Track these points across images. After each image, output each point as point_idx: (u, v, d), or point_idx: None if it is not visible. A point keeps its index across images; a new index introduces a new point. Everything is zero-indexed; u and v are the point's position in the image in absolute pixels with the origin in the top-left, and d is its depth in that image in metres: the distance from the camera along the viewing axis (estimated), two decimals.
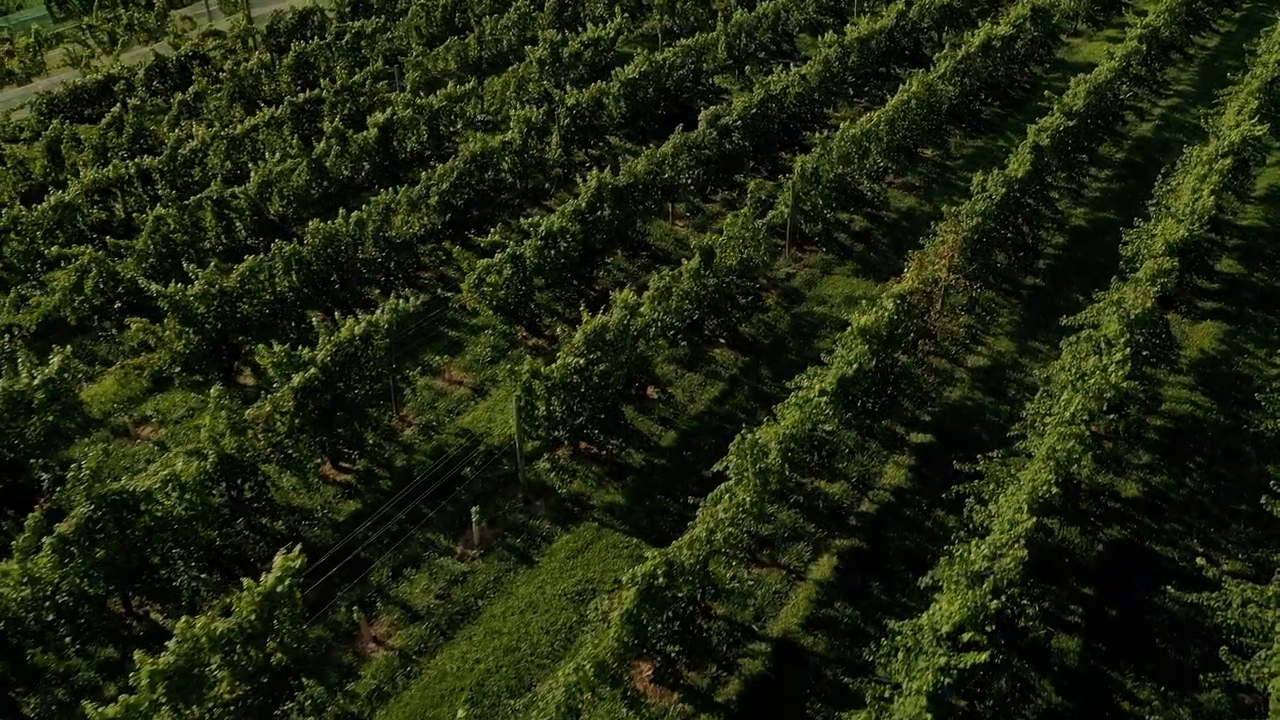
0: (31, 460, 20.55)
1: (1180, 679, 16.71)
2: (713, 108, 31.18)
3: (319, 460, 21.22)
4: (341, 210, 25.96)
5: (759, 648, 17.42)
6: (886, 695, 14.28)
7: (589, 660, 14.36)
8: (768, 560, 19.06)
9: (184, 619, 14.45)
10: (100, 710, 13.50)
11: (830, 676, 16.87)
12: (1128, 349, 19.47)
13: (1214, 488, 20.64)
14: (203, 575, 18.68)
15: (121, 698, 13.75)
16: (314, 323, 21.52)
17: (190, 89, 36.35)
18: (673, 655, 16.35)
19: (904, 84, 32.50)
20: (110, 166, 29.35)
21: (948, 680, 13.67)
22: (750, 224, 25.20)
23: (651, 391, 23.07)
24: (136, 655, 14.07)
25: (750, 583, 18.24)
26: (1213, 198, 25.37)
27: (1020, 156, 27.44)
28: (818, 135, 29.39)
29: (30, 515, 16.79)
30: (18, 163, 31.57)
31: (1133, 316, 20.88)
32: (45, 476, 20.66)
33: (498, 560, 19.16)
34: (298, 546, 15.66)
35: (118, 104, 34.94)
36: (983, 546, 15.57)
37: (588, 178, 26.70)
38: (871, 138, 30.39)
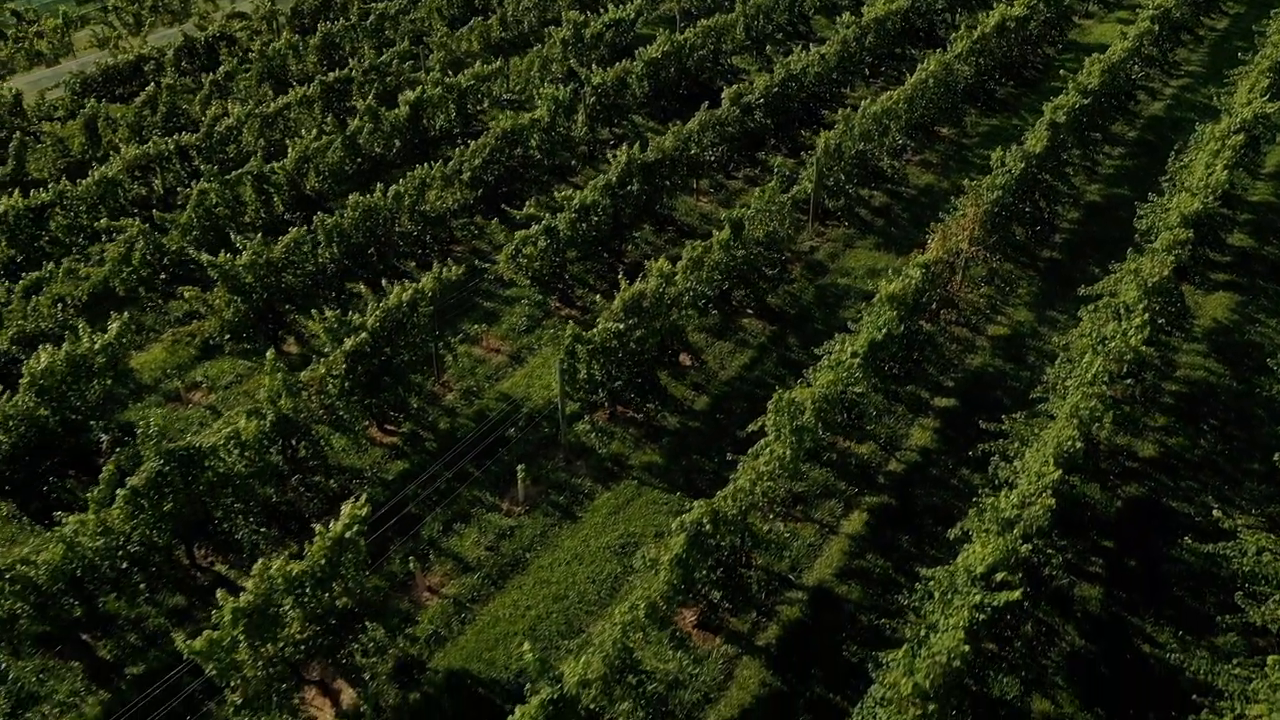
0: (91, 422, 21.39)
1: (1197, 624, 17.58)
2: (735, 86, 31.92)
3: (366, 423, 22.06)
4: (379, 185, 26.76)
5: (796, 596, 18.30)
6: (923, 634, 15.14)
7: (642, 601, 15.23)
8: (802, 515, 19.93)
9: (260, 561, 15.33)
10: (188, 643, 14.40)
11: (865, 622, 17.75)
12: (1146, 314, 20.29)
13: (1228, 448, 21.48)
14: (261, 529, 19.63)
15: (205, 633, 14.64)
16: (362, 290, 22.33)
17: (220, 69, 37.09)
18: (716, 600, 17.22)
19: (921, 64, 33.21)
20: (150, 143, 30.12)
21: (982, 616, 14.54)
22: (776, 198, 25.99)
23: (684, 358, 23.91)
24: (219, 594, 14.95)
25: (786, 535, 19.10)
26: (1226, 172, 26.14)
27: (1037, 133, 28.20)
28: (840, 113, 30.11)
29: (104, 469, 17.65)
30: (57, 140, 32.33)
31: (1150, 285, 21.69)
32: (105, 438, 21.53)
33: (543, 516, 20.03)
34: (364, 496, 16.53)
35: (151, 83, 35.68)
36: (1012, 496, 16.43)
37: (617, 154, 27.47)
38: (891, 116, 31.14)
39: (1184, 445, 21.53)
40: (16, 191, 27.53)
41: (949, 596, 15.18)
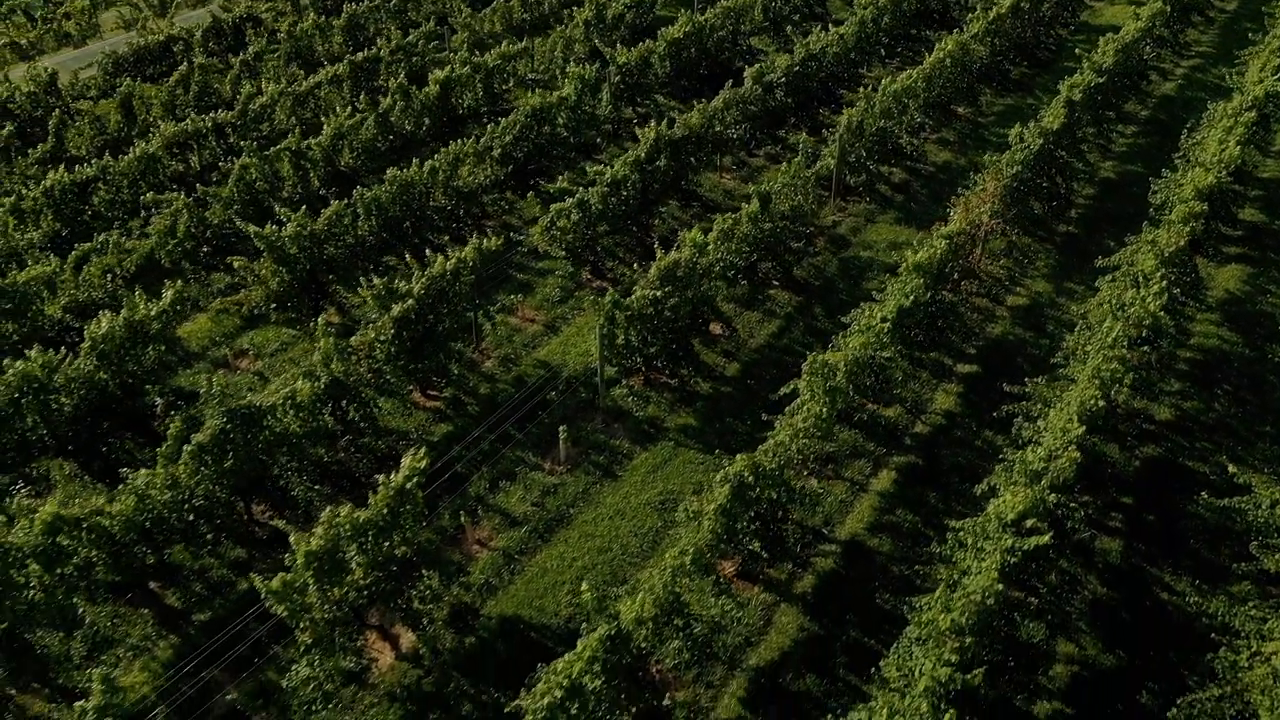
0: (147, 386, 22.24)
1: (1213, 575, 18.45)
2: (757, 65, 32.64)
3: (410, 388, 22.90)
4: (415, 160, 27.53)
5: (830, 548, 19.17)
6: (956, 578, 16.00)
7: (690, 547, 16.09)
8: (833, 474, 20.78)
9: (329, 508, 16.20)
10: (265, 583, 15.28)
11: (896, 572, 18.63)
12: (1163, 282, 21.11)
13: (1241, 412, 22.32)
14: (315, 487, 20.53)
15: (279, 574, 15.51)
16: (396, 263, 23.13)
17: (249, 49, 37.80)
18: (755, 551, 18.08)
19: (939, 44, 33.91)
20: (189, 121, 30.88)
21: (1014, 559, 15.41)
22: (801, 173, 26.77)
23: (715, 327, 24.73)
24: (292, 538, 15.83)
25: (819, 491, 19.96)
26: (1238, 148, 26.89)
27: (1054, 111, 28.94)
28: (861, 92, 30.85)
29: (172, 427, 18.50)
30: (94, 118, 33.07)
31: (1166, 254, 22.49)
32: (159, 401, 22.39)
33: (584, 475, 20.89)
34: (423, 449, 17.38)
35: (182, 63, 36.40)
36: (1039, 449, 17.28)
37: (645, 130, 28.23)
38: (910, 94, 31.86)
39: (1199, 409, 22.36)
40: (61, 167, 28.28)
41: (980, 543, 16.04)
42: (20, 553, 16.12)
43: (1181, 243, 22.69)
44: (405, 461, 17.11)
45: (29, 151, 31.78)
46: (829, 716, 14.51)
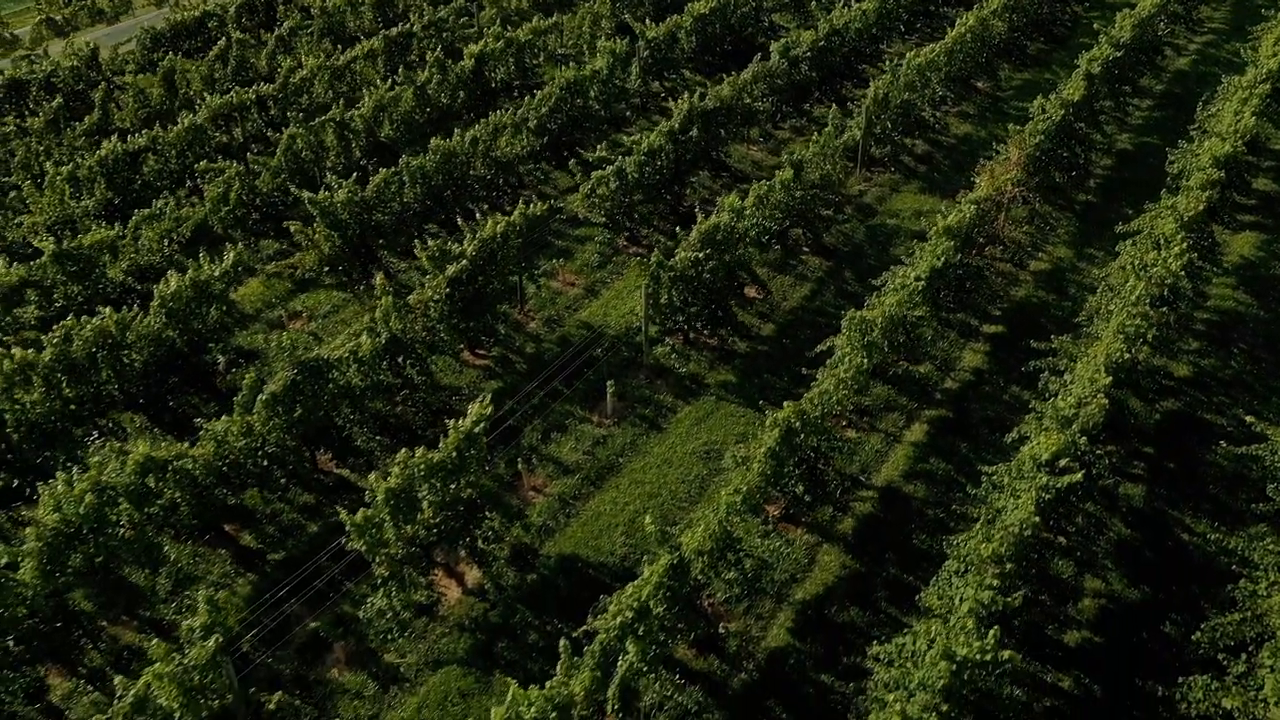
0: (210, 344, 23.29)
1: (1231, 518, 19.51)
2: (783, 40, 33.53)
3: (460, 346, 23.93)
4: (456, 130, 28.49)
5: (867, 494, 20.25)
6: (993, 515, 17.07)
7: (742, 485, 17.15)
8: (868, 426, 21.84)
9: (403, 450, 17.28)
10: (349, 516, 16.38)
11: (931, 515, 19.71)
12: (1184, 243, 22.11)
13: (1256, 369, 23.35)
14: (377, 437, 21.62)
15: (360, 510, 16.61)
16: (459, 222, 24.14)
17: (283, 24, 38.67)
18: (799, 494, 19.14)
19: (959, 19, 34.77)
20: (233, 93, 31.82)
21: (1048, 496, 16.47)
22: (831, 143, 27.73)
23: (751, 290, 25.74)
24: (371, 478, 16.91)
25: (856, 440, 21.02)
26: (1254, 119, 27.82)
27: (1074, 83, 29.86)
28: (886, 65, 31.74)
29: (246, 378, 19.55)
30: (139, 92, 33.99)
31: (1186, 219, 23.47)
32: (222, 359, 23.45)
33: (631, 427, 21.95)
34: (488, 396, 18.44)
35: (221, 39, 37.29)
36: (1069, 397, 18.33)
37: (679, 101, 29.17)
38: (932, 68, 32.77)
39: (1216, 366, 23.39)
40: (115, 138, 29.24)
41: (1015, 483, 17.10)
42: (113, 491, 17.19)
43: (1201, 208, 23.66)
44: (472, 408, 18.16)
45: (75, 124, 32.71)
46: (874, 643, 15.59)
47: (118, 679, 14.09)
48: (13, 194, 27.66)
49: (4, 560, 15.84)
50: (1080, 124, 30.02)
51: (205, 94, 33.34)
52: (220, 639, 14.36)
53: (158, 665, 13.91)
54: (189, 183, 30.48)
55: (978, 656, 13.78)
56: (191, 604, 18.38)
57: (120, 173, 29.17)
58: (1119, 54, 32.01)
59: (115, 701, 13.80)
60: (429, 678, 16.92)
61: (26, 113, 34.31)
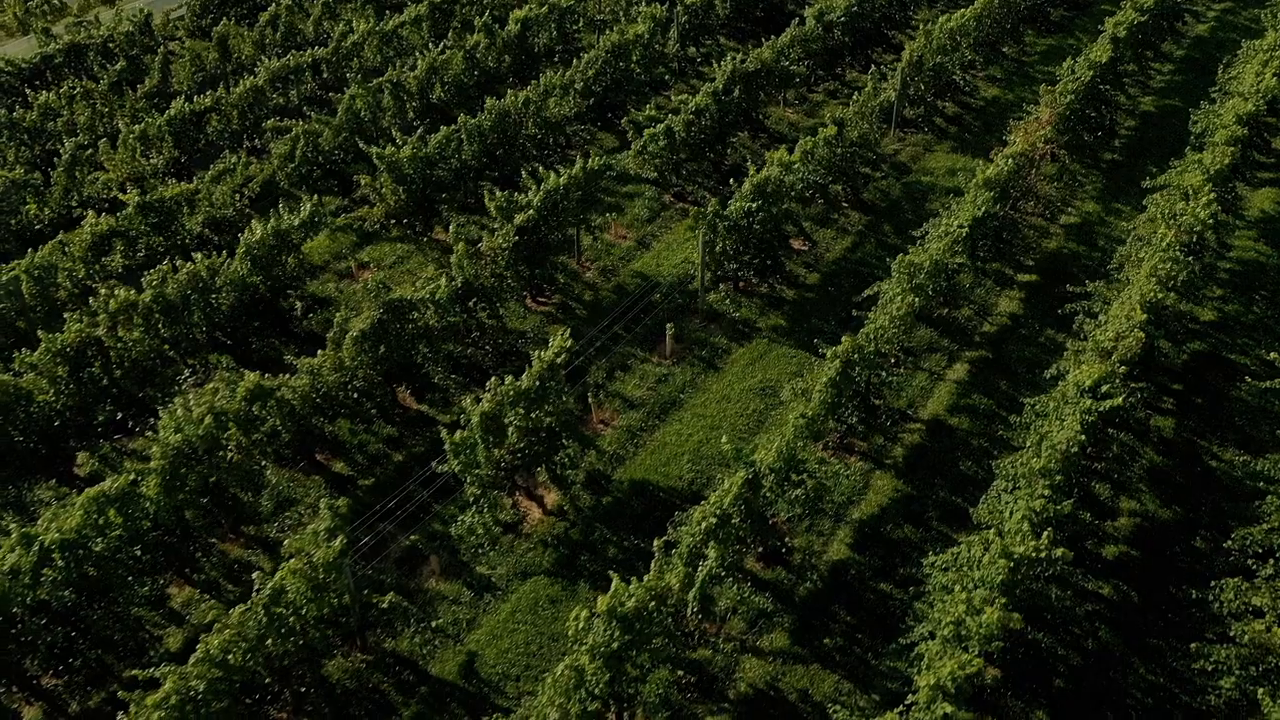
0: (288, 290, 24.68)
1: (1257, 447, 20.92)
2: (818, 5, 34.71)
3: (525, 293, 25.30)
4: (509, 90, 29.75)
5: (915, 426, 21.67)
6: (1038, 439, 18.47)
7: (808, 410, 18.56)
8: (912, 365, 23.23)
9: (493, 378, 18.70)
10: (449, 435, 17.83)
11: (976, 445, 21.14)
12: (1211, 194, 23.43)
13: (1277, 314, 24.70)
14: (452, 376, 23.05)
15: (458, 432, 18.05)
16: (522, 176, 25.47)
17: None
18: (854, 424, 20.55)
19: None
20: (290, 56, 33.07)
21: (1091, 419, 17.88)
22: (870, 103, 29.00)
23: (796, 242, 27.08)
24: (465, 401, 18.35)
25: (903, 377, 22.45)
26: (1275, 79, 29.05)
27: (1101, 46, 31.08)
28: (920, 29, 32.92)
29: (336, 316, 20.95)
30: (195, 56, 35.22)
31: (1212, 171, 24.78)
32: (299, 304, 24.85)
33: (689, 367, 23.36)
34: (567, 330, 19.84)
35: (272, 4, 38.46)
36: (1108, 330, 19.72)
37: (722, 63, 30.41)
38: (962, 32, 33.97)
39: (1239, 311, 24.75)
40: (181, 99, 30.52)
41: (1061, 407, 18.51)
42: (225, 416, 18.62)
43: (1226, 161, 24.95)
44: (554, 341, 19.57)
45: (136, 87, 33.97)
46: (930, 553, 17.02)
47: (255, 574, 15.57)
48: (89, 152, 28.96)
49: (131, 476, 17.26)
50: (1106, 85, 31.24)
51: (262, 58, 34.51)
52: (344, 540, 15.82)
53: (292, 561, 15.38)
54: (249, 142, 31.77)
55: (1033, 554, 15.23)
56: (293, 523, 19.85)
57: (186, 132, 30.46)
58: (1144, 18, 33.18)
59: (254, 593, 15.25)
60: (518, 587, 18.39)
61: (85, 77, 35.51)
